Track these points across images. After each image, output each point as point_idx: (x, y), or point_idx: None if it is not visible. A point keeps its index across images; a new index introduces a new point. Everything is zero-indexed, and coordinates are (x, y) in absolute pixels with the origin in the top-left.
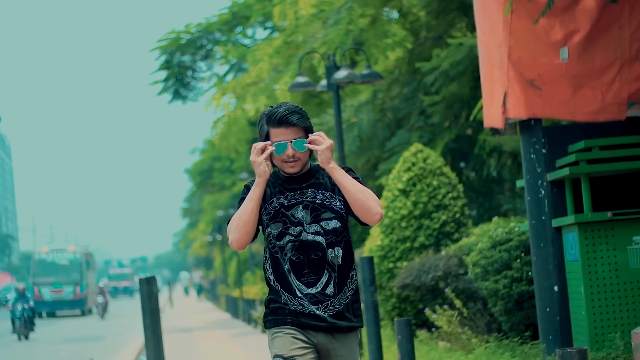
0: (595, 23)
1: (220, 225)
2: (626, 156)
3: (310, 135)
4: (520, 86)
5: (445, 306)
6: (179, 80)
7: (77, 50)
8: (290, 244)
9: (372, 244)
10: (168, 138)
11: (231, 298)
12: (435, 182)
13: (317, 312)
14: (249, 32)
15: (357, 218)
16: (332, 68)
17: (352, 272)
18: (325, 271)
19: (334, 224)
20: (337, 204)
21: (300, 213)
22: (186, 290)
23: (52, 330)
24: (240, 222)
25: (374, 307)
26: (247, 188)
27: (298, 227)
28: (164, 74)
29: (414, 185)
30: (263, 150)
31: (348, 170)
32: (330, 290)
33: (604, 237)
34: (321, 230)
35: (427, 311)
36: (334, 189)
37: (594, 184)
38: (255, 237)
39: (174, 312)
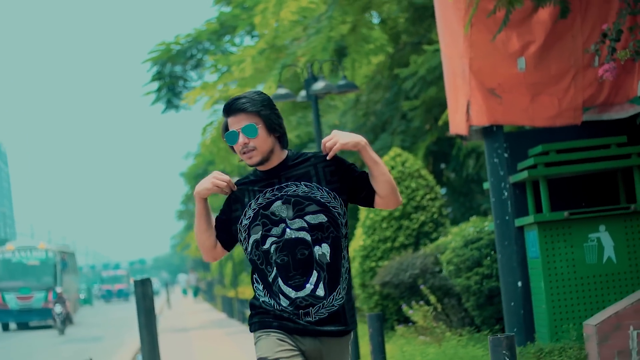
0: (550, 34)
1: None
2: (581, 159)
3: (322, 141)
4: (482, 95)
5: (422, 302)
6: (170, 90)
7: (73, 54)
8: (273, 246)
9: (356, 245)
10: (163, 142)
11: (227, 298)
12: (413, 185)
13: (307, 318)
14: (237, 40)
15: (368, 202)
16: (311, 79)
17: (343, 269)
18: (314, 271)
19: (320, 218)
20: (324, 195)
21: (280, 209)
22: (184, 291)
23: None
24: (199, 243)
25: None
26: (227, 201)
27: (280, 225)
28: (156, 84)
29: None
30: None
31: (350, 165)
32: (320, 291)
33: (562, 235)
34: (306, 226)
35: (405, 307)
36: (321, 179)
37: (553, 185)
38: (229, 246)
39: (171, 313)
